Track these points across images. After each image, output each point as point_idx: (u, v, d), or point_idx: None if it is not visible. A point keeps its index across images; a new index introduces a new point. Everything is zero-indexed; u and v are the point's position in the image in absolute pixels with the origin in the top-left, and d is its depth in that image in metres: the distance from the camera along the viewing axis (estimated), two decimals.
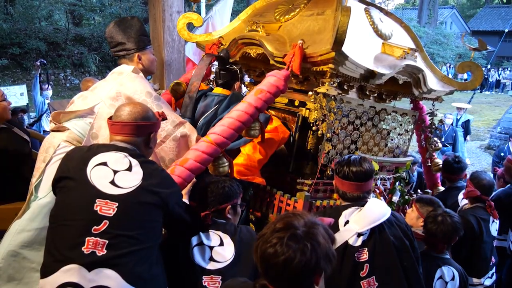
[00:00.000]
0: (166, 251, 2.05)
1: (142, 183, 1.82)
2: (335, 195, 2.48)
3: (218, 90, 2.90)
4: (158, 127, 2.09)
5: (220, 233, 2.14)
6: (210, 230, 2.14)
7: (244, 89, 6.76)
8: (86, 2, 18.42)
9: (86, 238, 1.68)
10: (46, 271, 1.70)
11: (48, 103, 7.19)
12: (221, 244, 2.11)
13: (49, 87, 8.30)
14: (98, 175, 1.81)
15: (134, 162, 1.87)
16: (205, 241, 2.10)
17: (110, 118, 1.99)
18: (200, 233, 2.12)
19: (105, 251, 1.68)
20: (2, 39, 13.42)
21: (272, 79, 2.55)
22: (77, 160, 1.87)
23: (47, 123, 7.26)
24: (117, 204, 1.75)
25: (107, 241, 1.69)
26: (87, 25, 18.65)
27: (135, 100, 2.37)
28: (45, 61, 7.90)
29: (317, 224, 1.34)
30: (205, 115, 2.82)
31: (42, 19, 16.32)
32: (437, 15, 30.69)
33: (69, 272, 1.65)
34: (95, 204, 1.74)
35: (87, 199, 1.75)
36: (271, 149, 2.73)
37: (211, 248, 2.09)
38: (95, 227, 1.70)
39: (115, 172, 1.82)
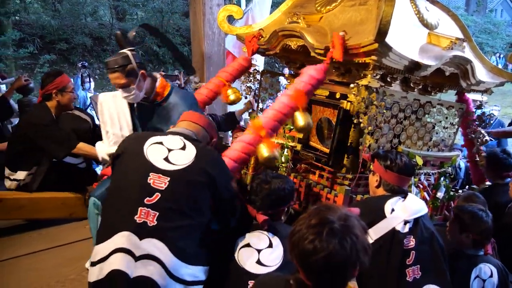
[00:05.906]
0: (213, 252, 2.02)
1: (194, 161, 1.90)
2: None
3: None
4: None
5: (270, 234, 2.02)
6: (258, 231, 2.03)
7: (284, 81, 6.73)
8: None
9: (139, 208, 1.76)
10: (101, 238, 1.78)
11: (90, 97, 7.64)
12: (270, 246, 1.99)
13: (90, 84, 9.16)
14: (153, 152, 1.91)
15: (188, 143, 1.97)
16: (252, 243, 2.00)
17: None
18: (247, 234, 2.02)
19: (156, 222, 1.75)
20: (51, 35, 14.01)
21: (311, 71, 2.55)
22: (134, 139, 2.01)
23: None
24: (169, 178, 1.83)
25: (157, 213, 1.76)
26: (131, 20, 19.04)
27: None
28: (86, 63, 9.40)
29: (351, 216, 1.31)
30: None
31: (87, 15, 16.87)
32: (486, 3, 29.30)
33: (122, 239, 1.72)
34: (149, 177, 1.83)
35: (142, 172, 1.85)
36: None
37: (259, 251, 1.97)
38: (147, 198, 1.78)
39: (169, 150, 1.92)
